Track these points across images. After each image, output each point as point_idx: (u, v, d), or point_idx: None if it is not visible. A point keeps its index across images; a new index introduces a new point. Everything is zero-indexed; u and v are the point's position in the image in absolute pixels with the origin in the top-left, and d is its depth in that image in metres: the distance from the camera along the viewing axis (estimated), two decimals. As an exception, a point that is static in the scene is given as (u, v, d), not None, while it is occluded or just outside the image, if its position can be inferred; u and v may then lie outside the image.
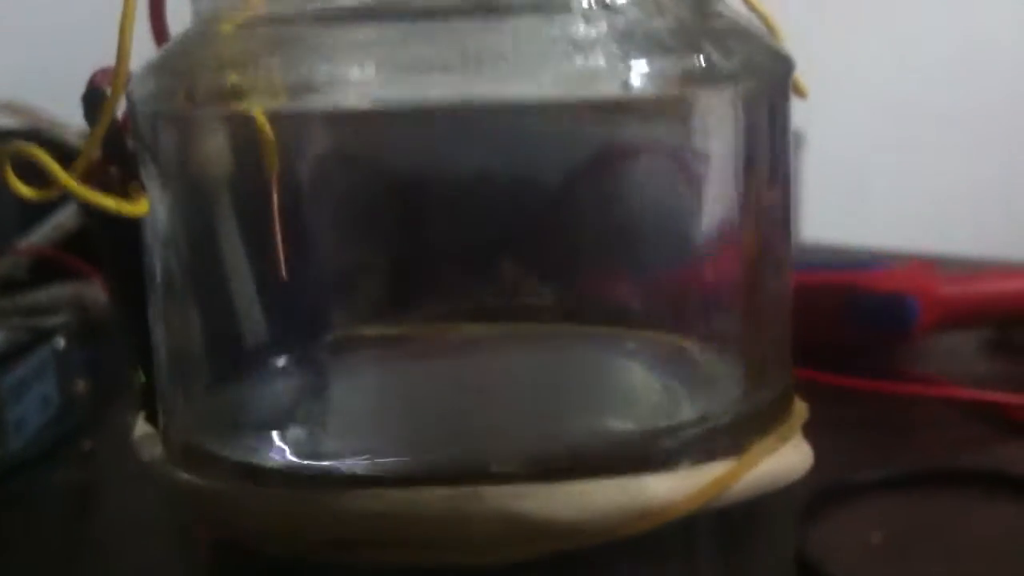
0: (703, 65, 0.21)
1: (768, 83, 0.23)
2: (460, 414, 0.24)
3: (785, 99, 0.23)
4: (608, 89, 0.20)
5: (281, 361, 0.26)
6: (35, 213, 0.68)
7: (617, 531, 0.20)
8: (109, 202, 0.21)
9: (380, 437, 0.23)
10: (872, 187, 0.82)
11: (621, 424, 0.24)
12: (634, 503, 0.20)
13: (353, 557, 0.20)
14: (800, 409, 0.24)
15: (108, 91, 0.23)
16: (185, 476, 0.23)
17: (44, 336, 0.51)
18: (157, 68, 0.22)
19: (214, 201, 0.24)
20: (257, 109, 0.20)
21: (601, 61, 0.20)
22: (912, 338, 0.52)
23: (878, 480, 0.43)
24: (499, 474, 0.20)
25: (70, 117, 0.71)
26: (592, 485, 0.20)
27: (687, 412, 0.24)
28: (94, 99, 0.23)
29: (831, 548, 0.37)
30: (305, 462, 0.22)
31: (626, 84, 0.20)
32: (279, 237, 0.22)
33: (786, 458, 0.23)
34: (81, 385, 0.54)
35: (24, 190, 0.21)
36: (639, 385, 0.26)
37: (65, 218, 0.67)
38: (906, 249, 0.69)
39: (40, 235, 0.67)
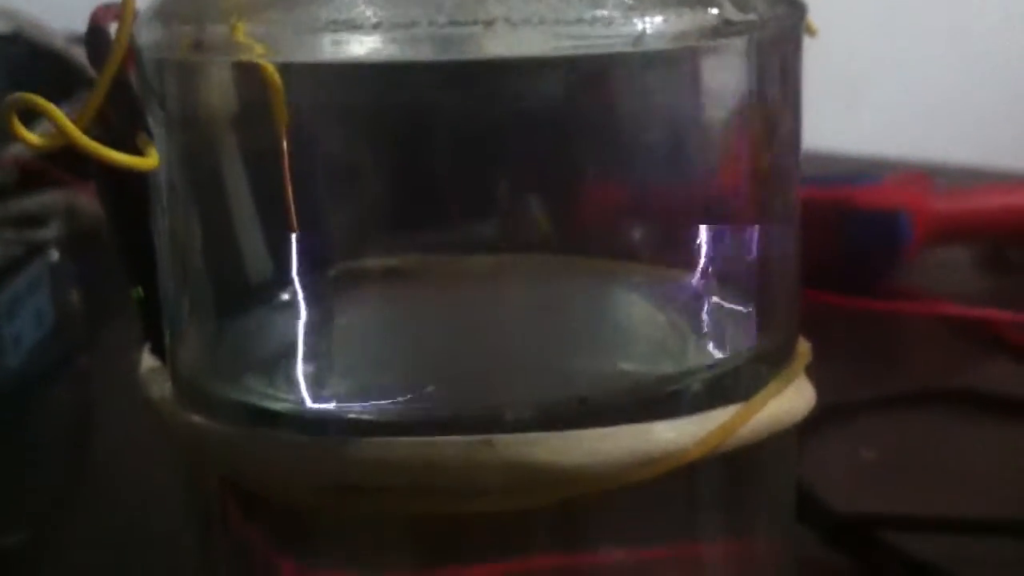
0: (716, 18, 0.21)
1: (781, 32, 0.22)
2: (467, 356, 0.24)
3: (798, 45, 0.23)
4: (620, 45, 0.20)
5: (285, 296, 0.26)
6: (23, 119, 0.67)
7: (625, 477, 0.20)
8: (120, 157, 0.21)
9: (389, 381, 0.23)
10: (867, 93, 0.82)
11: (629, 365, 0.24)
12: (642, 450, 0.20)
13: (360, 505, 0.21)
14: (804, 348, 0.25)
15: (111, 29, 0.23)
16: (194, 418, 0.23)
17: (37, 249, 0.51)
18: (162, 13, 0.22)
19: (219, 141, 0.23)
20: (266, 61, 0.20)
21: (616, 15, 0.20)
22: (904, 255, 0.52)
23: (868, 401, 0.44)
24: (511, 422, 0.20)
25: (55, 21, 0.70)
26: (601, 432, 0.20)
27: (694, 354, 0.24)
28: (97, 39, 0.23)
29: (823, 468, 0.38)
30: (312, 406, 0.22)
31: (639, 39, 0.20)
32: (285, 174, 0.22)
33: (791, 400, 0.23)
34: (75, 297, 0.54)
35: (33, 140, 0.21)
36: (645, 322, 0.26)
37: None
38: (900, 158, 0.69)
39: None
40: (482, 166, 0.24)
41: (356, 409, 0.21)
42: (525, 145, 0.24)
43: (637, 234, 0.25)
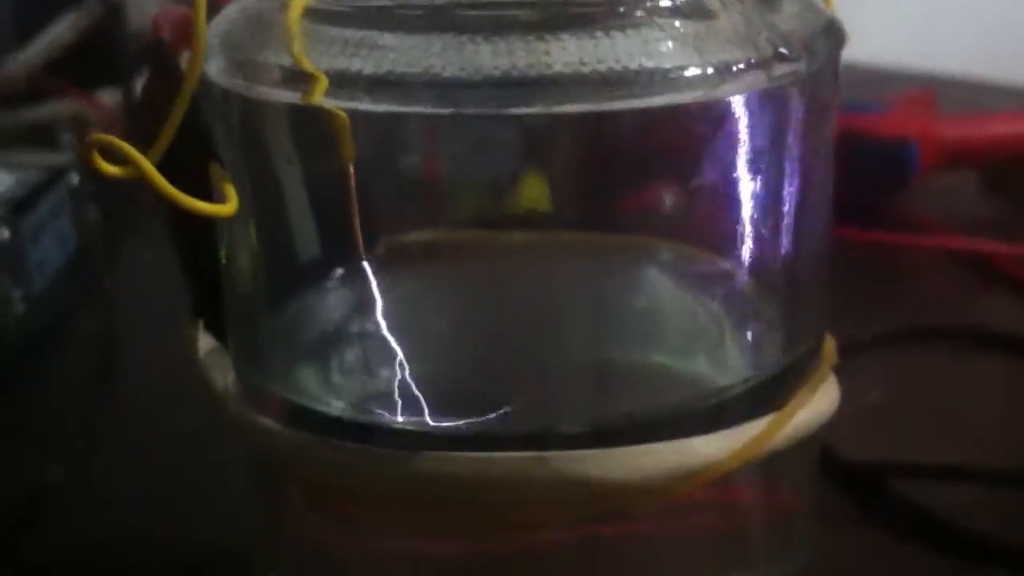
0: (768, 64, 0.21)
1: (824, 65, 0.23)
2: (516, 356, 0.25)
3: (836, 72, 0.24)
4: (680, 97, 0.21)
5: (338, 289, 0.27)
6: (29, 28, 0.67)
7: (667, 491, 0.22)
8: (199, 205, 0.21)
9: (436, 389, 0.24)
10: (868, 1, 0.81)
11: (670, 360, 0.25)
12: (683, 465, 0.22)
13: (418, 512, 0.22)
14: (830, 348, 0.26)
15: (168, 41, 0.24)
16: (260, 420, 0.24)
17: (58, 174, 0.52)
18: (229, 43, 0.23)
19: (283, 163, 0.24)
20: (336, 107, 0.21)
21: (679, 67, 0.20)
22: (911, 184, 0.53)
23: (874, 339, 0.45)
24: (563, 438, 0.22)
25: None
26: (646, 449, 0.22)
27: (732, 359, 0.25)
28: (159, 53, 0.24)
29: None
30: (374, 418, 0.23)
31: (696, 86, 0.21)
32: (352, 205, 0.23)
33: (820, 403, 0.24)
34: (93, 215, 0.55)
35: (114, 172, 0.21)
36: (682, 310, 0.27)
37: (59, 34, 0.66)
38: (902, 68, 0.69)
39: (35, 52, 0.66)
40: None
41: (401, 420, 0.23)
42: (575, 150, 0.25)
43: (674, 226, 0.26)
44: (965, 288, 0.49)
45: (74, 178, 0.54)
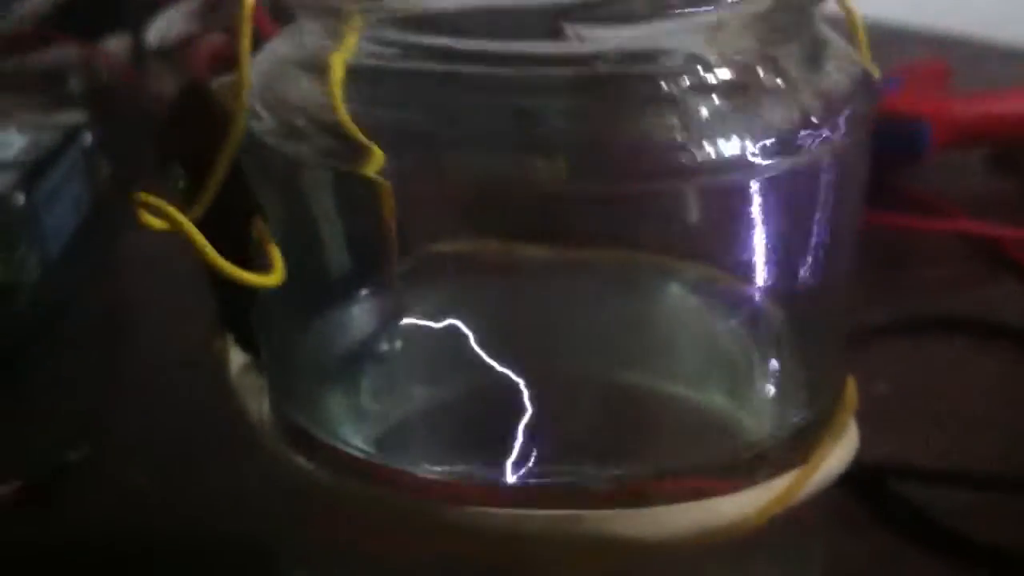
0: (810, 133, 0.22)
1: (862, 125, 0.23)
2: (540, 398, 0.26)
3: (870, 127, 0.24)
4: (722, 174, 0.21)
5: (359, 306, 0.27)
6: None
7: (694, 547, 0.23)
8: (246, 276, 0.22)
9: (462, 440, 0.25)
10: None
11: (700, 396, 0.26)
12: (711, 524, 0.23)
13: (452, 559, 0.23)
14: (851, 392, 0.26)
15: (213, 85, 0.24)
16: (296, 459, 0.25)
17: (71, 135, 0.52)
18: (272, 100, 0.23)
19: (318, 203, 0.24)
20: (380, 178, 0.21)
21: (719, 145, 0.21)
22: (922, 162, 0.53)
23: (879, 328, 0.46)
24: (594, 495, 0.23)
25: None
26: (675, 509, 0.23)
27: (761, 398, 0.26)
28: (196, 98, 0.24)
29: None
30: (392, 464, 0.24)
31: (734, 167, 0.21)
32: (392, 262, 0.23)
33: (841, 453, 0.25)
34: (104, 169, 0.55)
35: (156, 225, 0.21)
36: (711, 339, 0.27)
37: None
38: (910, 24, 0.69)
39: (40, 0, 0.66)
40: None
41: (427, 470, 0.23)
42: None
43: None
44: (973, 274, 0.50)
45: (87, 138, 0.54)
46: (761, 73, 0.22)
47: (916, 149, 0.52)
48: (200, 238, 0.21)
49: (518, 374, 0.25)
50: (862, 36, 0.25)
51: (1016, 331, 0.45)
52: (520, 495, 0.23)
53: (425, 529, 0.23)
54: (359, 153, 0.21)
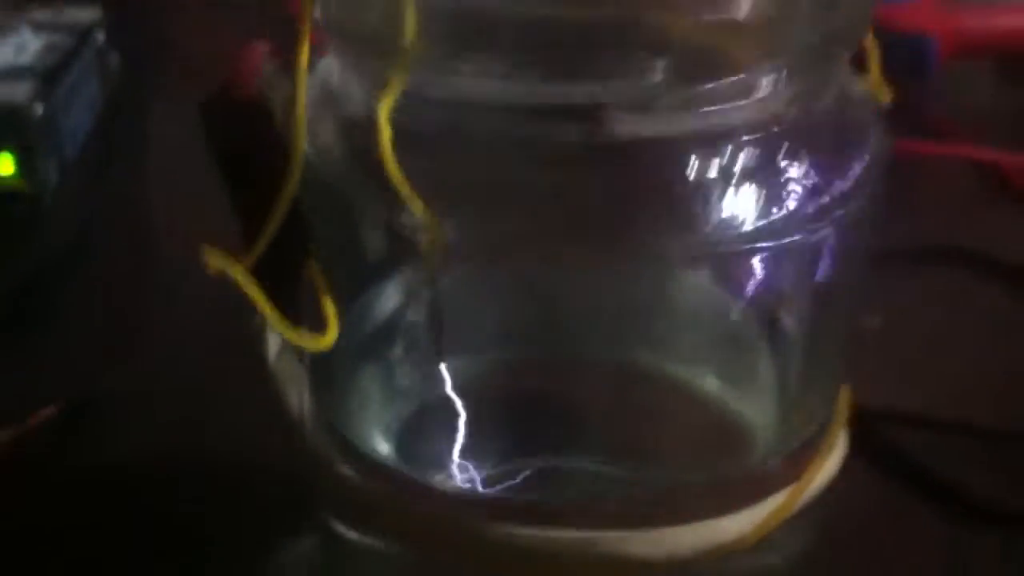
0: (827, 208, 0.23)
1: (872, 197, 0.25)
2: (564, 418, 0.28)
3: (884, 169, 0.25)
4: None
5: (389, 297, 0.29)
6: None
7: (699, 563, 0.25)
8: (300, 339, 0.23)
9: (486, 445, 0.27)
10: None
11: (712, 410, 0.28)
12: (715, 542, 0.25)
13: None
14: (844, 400, 0.28)
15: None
16: (327, 455, 0.27)
17: (84, 35, 0.52)
18: (326, 155, 0.24)
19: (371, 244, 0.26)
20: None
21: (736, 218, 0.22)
22: (928, 78, 0.54)
23: (875, 257, 0.47)
24: (609, 517, 0.25)
25: None
26: (683, 530, 0.25)
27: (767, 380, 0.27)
28: (257, 115, 0.25)
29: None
30: (420, 478, 0.26)
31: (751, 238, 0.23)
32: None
33: (832, 465, 0.27)
34: (116, 65, 0.55)
35: (214, 263, 0.23)
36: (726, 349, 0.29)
37: None
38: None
39: None
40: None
41: (473, 492, 0.25)
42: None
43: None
44: (974, 202, 0.51)
45: (100, 37, 0.54)
46: (782, 158, 0.23)
47: (923, 65, 0.53)
48: (255, 291, 0.23)
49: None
50: (875, 69, 0.26)
51: (1013, 266, 0.46)
52: (538, 512, 0.25)
53: (446, 541, 0.25)
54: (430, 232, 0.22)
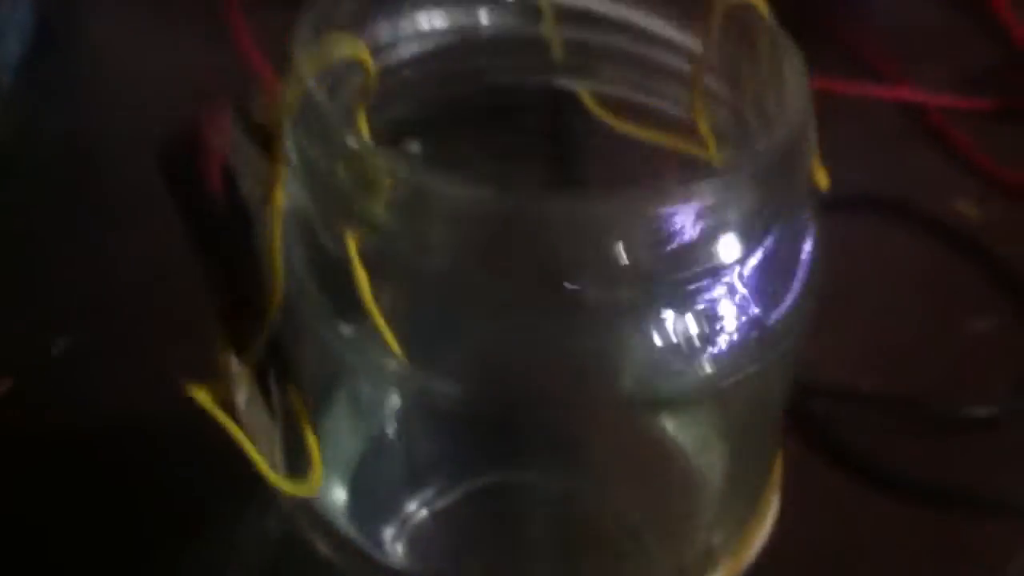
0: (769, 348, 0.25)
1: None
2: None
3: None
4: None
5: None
6: None
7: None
8: (282, 483, 0.24)
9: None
10: None
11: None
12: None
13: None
14: (778, 470, 0.30)
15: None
16: (302, 527, 0.29)
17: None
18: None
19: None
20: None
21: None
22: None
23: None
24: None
25: None
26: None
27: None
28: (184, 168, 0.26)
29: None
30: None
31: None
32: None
33: (766, 526, 0.30)
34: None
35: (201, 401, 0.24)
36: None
37: None
38: None
39: None
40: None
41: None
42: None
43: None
44: (896, 145, 0.52)
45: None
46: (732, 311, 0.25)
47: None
48: (241, 436, 0.24)
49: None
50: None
51: (931, 217, 0.48)
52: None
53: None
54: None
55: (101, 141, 0.51)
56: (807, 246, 0.28)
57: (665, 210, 0.23)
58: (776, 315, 0.26)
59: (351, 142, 0.23)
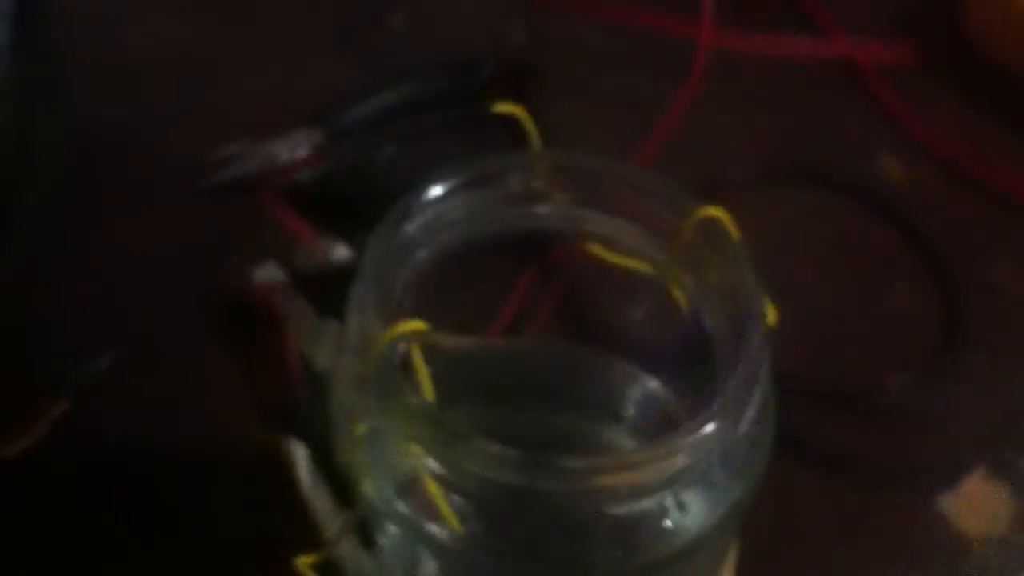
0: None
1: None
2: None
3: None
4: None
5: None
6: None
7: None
8: None
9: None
10: None
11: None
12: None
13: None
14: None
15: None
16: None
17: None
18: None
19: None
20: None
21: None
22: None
23: (735, 179, 0.52)
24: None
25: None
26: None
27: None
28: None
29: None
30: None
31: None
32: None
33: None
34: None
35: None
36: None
37: None
38: None
39: None
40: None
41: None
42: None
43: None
44: (823, 102, 0.55)
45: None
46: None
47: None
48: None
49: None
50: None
51: (853, 178, 0.53)
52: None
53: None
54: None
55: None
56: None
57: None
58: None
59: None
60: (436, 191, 0.32)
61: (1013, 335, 0.49)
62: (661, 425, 0.37)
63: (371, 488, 0.31)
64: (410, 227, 0.32)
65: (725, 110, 0.54)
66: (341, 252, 0.40)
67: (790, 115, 0.56)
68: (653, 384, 0.36)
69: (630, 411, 0.37)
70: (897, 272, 0.51)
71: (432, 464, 0.29)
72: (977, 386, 0.47)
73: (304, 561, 0.32)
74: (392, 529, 0.32)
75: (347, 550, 0.33)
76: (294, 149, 0.50)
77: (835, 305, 0.50)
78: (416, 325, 0.29)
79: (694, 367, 0.33)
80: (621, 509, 0.30)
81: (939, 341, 0.49)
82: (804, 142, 0.55)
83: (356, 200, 0.44)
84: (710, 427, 0.29)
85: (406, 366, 0.30)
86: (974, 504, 0.44)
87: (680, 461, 0.29)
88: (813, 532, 0.43)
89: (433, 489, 0.29)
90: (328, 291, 0.36)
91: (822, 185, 0.54)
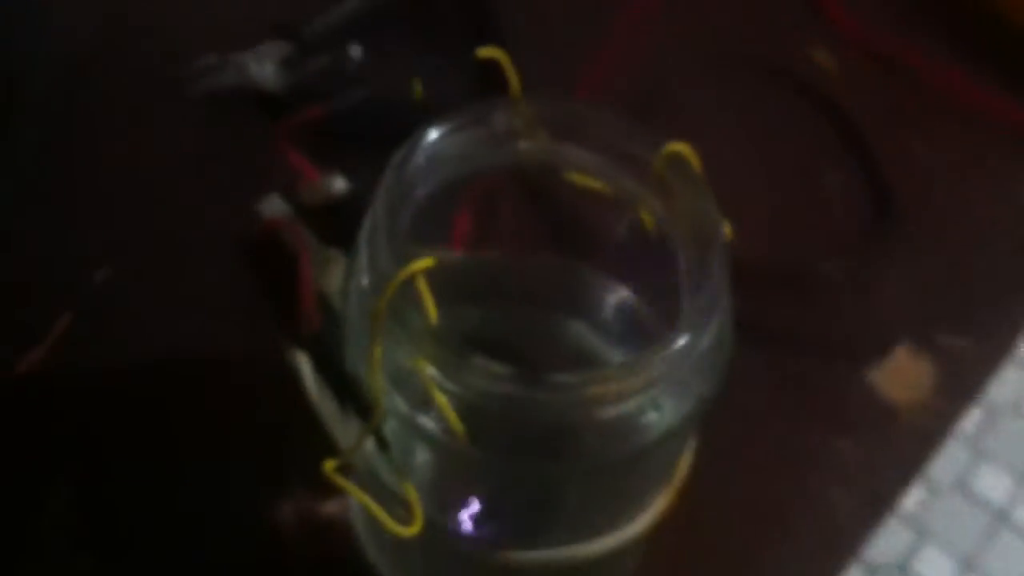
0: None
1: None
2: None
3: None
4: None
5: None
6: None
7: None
8: (394, 528, 0.36)
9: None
10: None
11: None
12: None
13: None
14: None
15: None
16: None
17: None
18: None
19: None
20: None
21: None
22: None
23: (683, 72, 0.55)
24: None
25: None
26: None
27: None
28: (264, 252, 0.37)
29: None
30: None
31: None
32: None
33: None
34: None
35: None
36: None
37: None
38: None
39: None
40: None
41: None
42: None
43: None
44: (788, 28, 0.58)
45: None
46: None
47: None
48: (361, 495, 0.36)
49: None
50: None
51: (784, 68, 0.56)
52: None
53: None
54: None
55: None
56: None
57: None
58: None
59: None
60: (432, 136, 0.36)
61: (936, 217, 0.54)
62: (633, 326, 0.41)
63: (387, 400, 0.35)
64: (410, 170, 0.36)
65: (668, 5, 0.57)
66: (339, 184, 0.44)
67: (728, 9, 0.59)
68: (625, 292, 0.41)
69: (606, 315, 0.42)
70: (830, 158, 0.55)
71: (438, 376, 0.34)
72: (901, 268, 0.52)
73: (330, 465, 0.36)
74: (392, 424, 0.37)
75: (364, 453, 0.37)
76: (262, 61, 0.53)
77: (770, 190, 0.54)
78: (426, 262, 0.33)
79: (661, 279, 0.38)
80: (604, 413, 0.35)
81: (868, 224, 0.53)
82: (740, 35, 0.58)
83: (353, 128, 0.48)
84: (681, 341, 0.34)
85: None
86: (900, 375, 0.49)
87: (656, 371, 0.34)
88: (756, 406, 0.48)
89: (439, 398, 0.34)
90: (328, 223, 0.40)
91: (758, 75, 0.57)
